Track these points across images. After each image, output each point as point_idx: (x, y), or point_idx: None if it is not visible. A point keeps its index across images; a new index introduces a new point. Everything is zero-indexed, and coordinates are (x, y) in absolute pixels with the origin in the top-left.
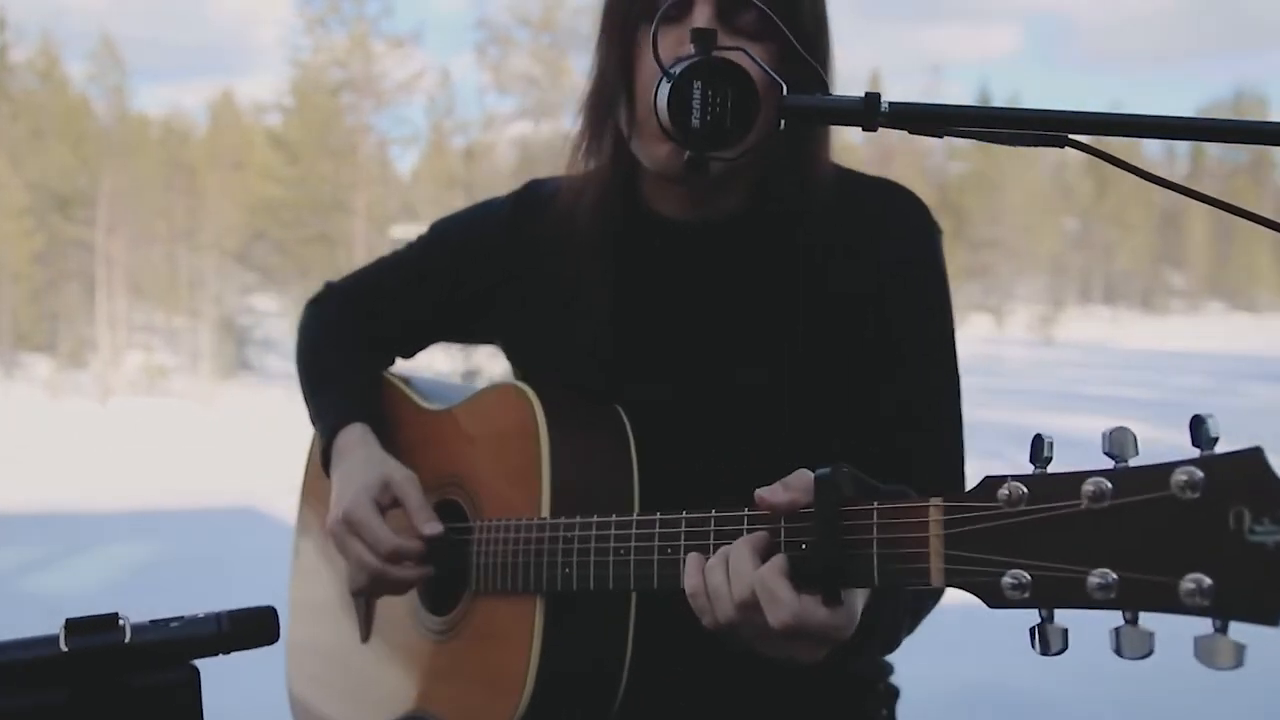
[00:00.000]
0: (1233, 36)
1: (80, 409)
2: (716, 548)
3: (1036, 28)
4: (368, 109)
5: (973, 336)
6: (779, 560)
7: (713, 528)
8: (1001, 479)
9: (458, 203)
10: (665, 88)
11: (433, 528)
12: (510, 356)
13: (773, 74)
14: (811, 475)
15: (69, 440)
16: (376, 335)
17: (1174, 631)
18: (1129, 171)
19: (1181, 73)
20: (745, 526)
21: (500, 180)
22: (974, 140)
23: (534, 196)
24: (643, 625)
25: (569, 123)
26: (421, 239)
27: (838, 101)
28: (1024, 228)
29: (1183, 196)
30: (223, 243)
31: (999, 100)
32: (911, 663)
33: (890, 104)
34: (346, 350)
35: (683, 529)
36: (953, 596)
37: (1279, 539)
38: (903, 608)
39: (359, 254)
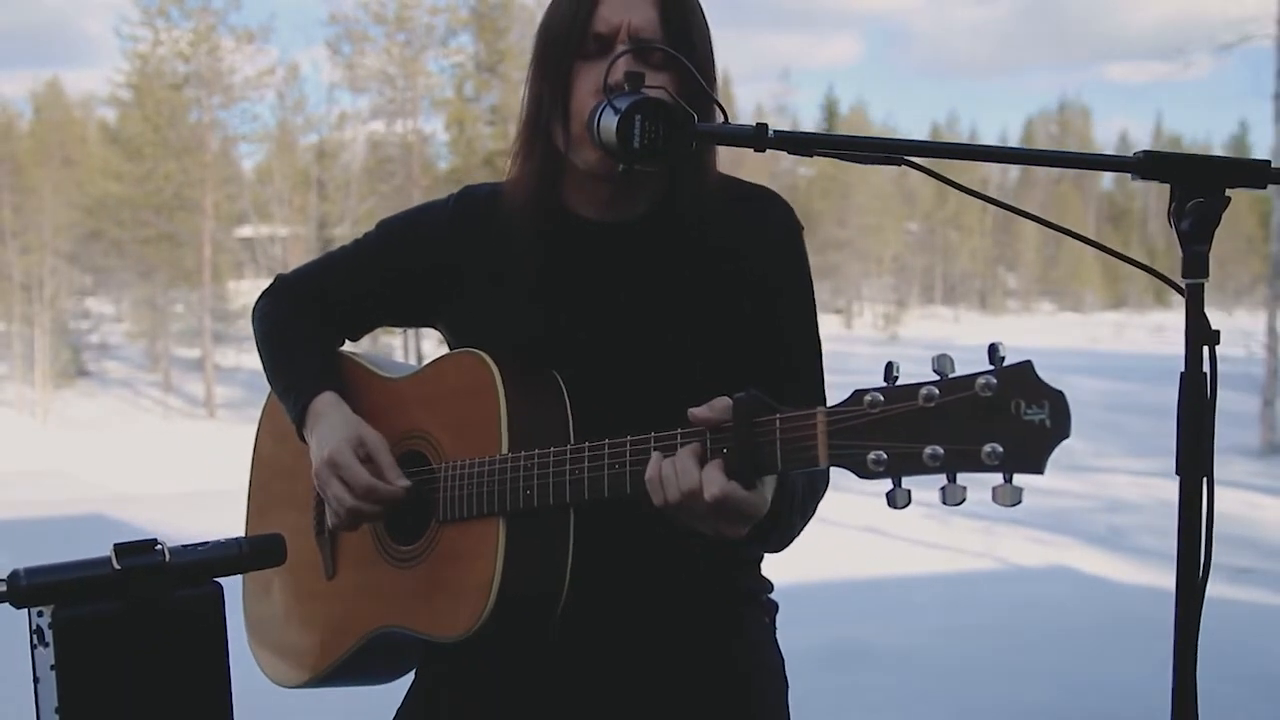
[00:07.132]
0: (1057, 50)
1: None
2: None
3: (875, 37)
4: (214, 105)
5: (824, 335)
6: (718, 461)
7: (653, 446)
8: (865, 390)
9: (309, 201)
10: (612, 117)
11: (402, 482)
12: (451, 334)
13: (686, 108)
14: (729, 400)
15: None
16: (329, 318)
17: (1016, 592)
18: (950, 186)
19: (1012, 82)
20: (679, 441)
21: (354, 180)
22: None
23: (471, 198)
24: (576, 545)
25: (424, 122)
26: (369, 235)
27: (736, 129)
28: (870, 230)
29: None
30: (55, 243)
31: (845, 104)
32: (795, 626)
33: (775, 132)
34: (308, 331)
35: (628, 448)
36: (830, 573)
37: (1042, 417)
38: (797, 506)
39: (207, 254)
